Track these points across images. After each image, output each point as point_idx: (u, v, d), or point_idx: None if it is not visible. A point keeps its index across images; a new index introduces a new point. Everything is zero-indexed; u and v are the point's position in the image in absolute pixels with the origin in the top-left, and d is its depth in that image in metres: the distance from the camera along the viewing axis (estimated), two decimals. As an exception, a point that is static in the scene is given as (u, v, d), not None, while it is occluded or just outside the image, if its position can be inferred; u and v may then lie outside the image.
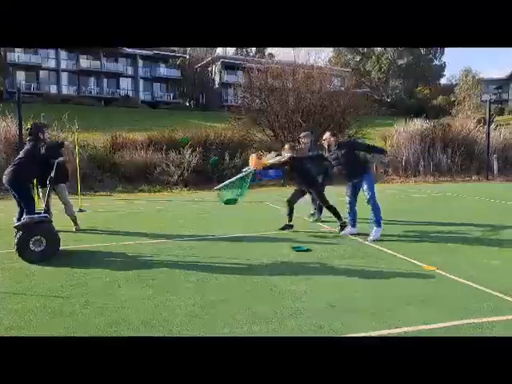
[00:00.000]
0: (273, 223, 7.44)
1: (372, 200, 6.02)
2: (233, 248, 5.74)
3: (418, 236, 6.35)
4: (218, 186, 6.81)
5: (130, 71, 44.75)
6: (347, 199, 6.39)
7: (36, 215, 5.33)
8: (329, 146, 6.43)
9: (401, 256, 5.18)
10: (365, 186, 6.09)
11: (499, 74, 56.20)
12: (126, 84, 44.62)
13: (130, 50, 43.86)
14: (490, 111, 18.64)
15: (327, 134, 6.49)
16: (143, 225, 7.62)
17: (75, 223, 7.09)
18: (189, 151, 14.86)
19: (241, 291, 3.99)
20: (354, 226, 6.45)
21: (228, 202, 6.58)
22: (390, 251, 5.42)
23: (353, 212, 6.42)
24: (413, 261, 4.94)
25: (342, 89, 24.69)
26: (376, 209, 6.04)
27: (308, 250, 5.50)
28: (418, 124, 20.15)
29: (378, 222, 6.06)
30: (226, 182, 6.69)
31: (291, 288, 4.05)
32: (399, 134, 19.75)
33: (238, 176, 6.57)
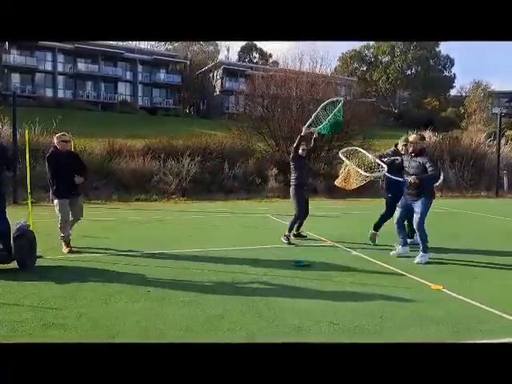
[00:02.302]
0: (273, 236, 7.49)
1: (421, 225, 5.73)
2: (231, 261, 5.77)
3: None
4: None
5: (128, 76, 45.20)
6: (397, 216, 6.09)
7: None
8: (412, 152, 5.85)
9: (405, 274, 5.21)
10: (418, 208, 5.73)
11: (511, 86, 56.60)
12: (124, 89, 45.04)
13: (129, 55, 44.36)
14: (500, 124, 18.77)
15: (416, 137, 5.97)
16: (139, 235, 7.67)
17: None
18: (187, 160, 14.96)
19: (238, 306, 4.02)
20: (405, 244, 6.18)
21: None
22: (394, 268, 5.46)
23: (402, 229, 6.15)
24: (418, 279, 4.97)
25: (348, 98, 24.93)
26: (422, 233, 5.75)
27: (308, 265, 5.53)
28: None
29: (424, 247, 5.79)
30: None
31: (290, 304, 4.08)
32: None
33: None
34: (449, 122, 40.42)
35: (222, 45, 59.73)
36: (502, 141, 20.04)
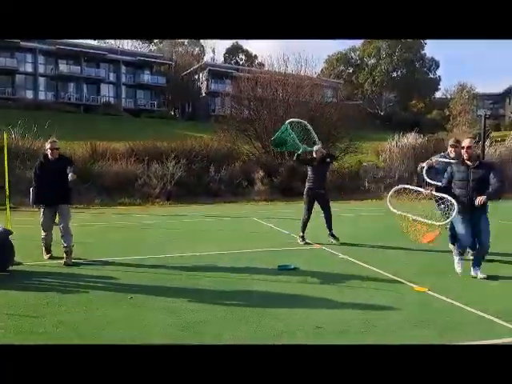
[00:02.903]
0: (259, 240, 7.49)
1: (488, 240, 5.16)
2: (215, 266, 5.74)
3: (408, 256, 6.44)
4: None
5: (112, 77, 44.82)
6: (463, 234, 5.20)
7: None
8: (468, 159, 5.08)
9: (391, 276, 5.24)
10: (485, 226, 5.12)
11: (495, 88, 57.74)
12: (107, 90, 44.64)
13: (112, 56, 44.03)
14: (485, 126, 19.09)
15: (471, 141, 5.15)
16: (122, 240, 7.59)
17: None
18: (172, 163, 14.88)
19: (221, 311, 3.99)
20: (462, 254, 5.44)
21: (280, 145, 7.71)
22: (380, 271, 5.49)
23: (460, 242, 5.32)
24: (403, 281, 5.01)
25: (334, 100, 25.12)
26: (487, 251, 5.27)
27: (294, 269, 5.54)
28: (411, 138, 20.55)
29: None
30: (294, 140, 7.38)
31: (275, 309, 4.07)
32: (392, 149, 20.09)
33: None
34: (434, 124, 40.98)
35: (208, 46, 59.73)
36: (487, 142, 20.37)
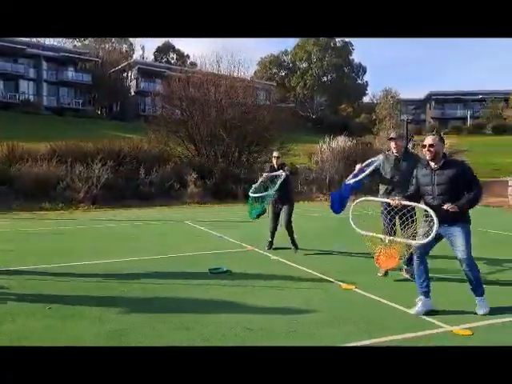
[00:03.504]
0: (190, 244, 7.40)
1: (469, 261, 3.97)
2: (143, 272, 5.57)
3: (336, 255, 6.68)
4: (254, 195, 6.87)
5: (32, 73, 42.22)
6: (417, 254, 4.17)
7: None
8: (432, 159, 4.08)
9: (320, 276, 5.40)
10: (459, 240, 3.98)
11: (417, 95, 61.86)
12: (26, 87, 41.95)
13: (33, 50, 41.47)
14: (407, 130, 20.36)
15: (434, 139, 4.09)
16: (42, 248, 7.16)
17: None
18: (98, 165, 14.29)
19: (150, 318, 3.88)
20: (427, 295, 4.17)
21: (258, 216, 6.86)
22: (310, 271, 5.64)
23: (423, 272, 4.18)
24: (332, 280, 5.18)
25: (268, 103, 25.52)
26: (475, 271, 4.02)
27: (226, 272, 5.53)
28: (341, 141, 21.41)
29: (479, 290, 4.07)
30: (262, 195, 6.81)
31: (204, 313, 4.04)
32: (323, 151, 20.80)
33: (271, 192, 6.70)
34: (362, 128, 43.04)
35: (137, 43, 58.24)
36: (410, 145, 21.73)
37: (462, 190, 3.95)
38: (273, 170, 7.03)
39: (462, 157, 23.04)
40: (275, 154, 7.32)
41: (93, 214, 12.01)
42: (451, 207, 3.85)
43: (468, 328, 3.66)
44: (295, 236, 6.95)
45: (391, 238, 4.38)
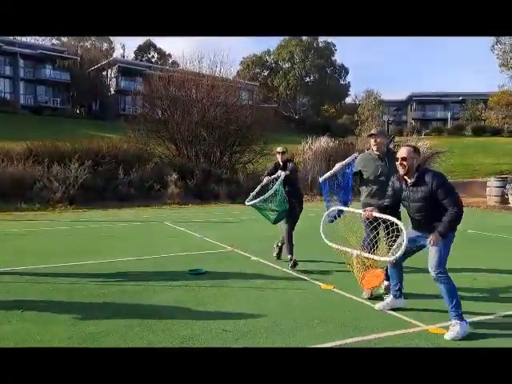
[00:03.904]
0: (170, 244, 7.36)
1: (439, 269, 3.65)
2: (120, 273, 5.53)
3: (316, 255, 6.72)
4: (253, 202, 5.77)
5: (7, 71, 41.38)
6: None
7: None
8: (405, 174, 3.81)
9: (299, 276, 5.44)
10: (433, 251, 3.68)
11: (399, 96, 62.63)
12: (2, 85, 41.10)
13: (8, 47, 40.64)
14: (388, 131, 20.64)
15: (408, 151, 3.79)
16: (16, 249, 7.02)
17: None
18: (76, 165, 14.07)
19: (126, 320, 3.85)
20: (399, 296, 4.24)
21: (277, 220, 5.81)
22: (288, 271, 5.66)
23: (396, 275, 4.18)
24: (311, 280, 5.22)
25: (250, 103, 25.53)
26: (448, 285, 3.67)
27: (205, 273, 5.51)
28: (323, 142, 21.54)
29: (457, 313, 3.65)
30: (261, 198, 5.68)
31: (183, 315, 4.02)
32: (306, 152, 20.90)
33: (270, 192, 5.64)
34: (344, 129, 43.34)
35: (117, 41, 57.64)
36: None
37: (438, 205, 3.63)
38: (277, 167, 6.12)
39: (442, 157, 23.48)
40: (279, 149, 6.15)
41: (70, 215, 11.84)
42: (434, 239, 3.60)
43: (444, 327, 3.73)
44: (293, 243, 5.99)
45: (358, 252, 4.17)
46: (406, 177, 3.80)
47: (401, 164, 3.75)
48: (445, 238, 3.63)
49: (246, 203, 5.94)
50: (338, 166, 5.03)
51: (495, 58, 33.75)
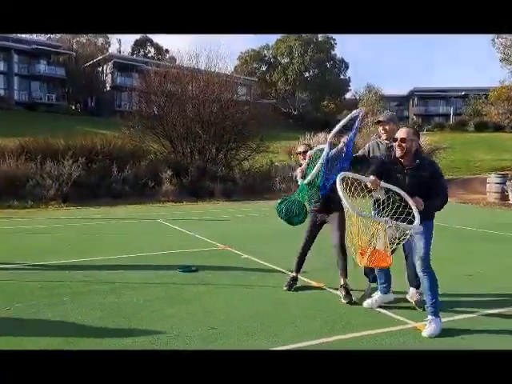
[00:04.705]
0: (163, 242, 7.37)
1: (425, 264, 3.68)
2: (113, 270, 5.54)
3: (308, 253, 6.72)
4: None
5: (1, 66, 41.37)
6: None
7: None
8: (402, 156, 3.69)
9: (290, 273, 5.44)
10: (420, 241, 3.69)
11: (400, 91, 62.44)
12: (-5, 81, 41.13)
13: (2, 43, 40.58)
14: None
15: (407, 132, 3.69)
16: (7, 247, 7.04)
17: None
18: (69, 161, 14.07)
19: (116, 319, 3.87)
20: (387, 291, 4.28)
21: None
22: (279, 268, 5.68)
23: (384, 274, 4.22)
24: (302, 278, 5.23)
25: (248, 98, 25.48)
26: (431, 281, 3.68)
27: (196, 271, 5.53)
28: (321, 138, 21.52)
29: (434, 309, 3.66)
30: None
31: (173, 312, 4.04)
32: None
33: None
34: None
35: (113, 37, 57.52)
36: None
37: (429, 191, 3.62)
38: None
39: (442, 153, 23.48)
40: (302, 148, 5.00)
41: (63, 212, 11.84)
42: (417, 201, 3.53)
43: (432, 324, 3.74)
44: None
45: (387, 218, 3.57)
46: (402, 159, 3.68)
47: (399, 145, 3.64)
48: (426, 216, 3.57)
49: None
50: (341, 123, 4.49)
51: (496, 53, 33.70)
